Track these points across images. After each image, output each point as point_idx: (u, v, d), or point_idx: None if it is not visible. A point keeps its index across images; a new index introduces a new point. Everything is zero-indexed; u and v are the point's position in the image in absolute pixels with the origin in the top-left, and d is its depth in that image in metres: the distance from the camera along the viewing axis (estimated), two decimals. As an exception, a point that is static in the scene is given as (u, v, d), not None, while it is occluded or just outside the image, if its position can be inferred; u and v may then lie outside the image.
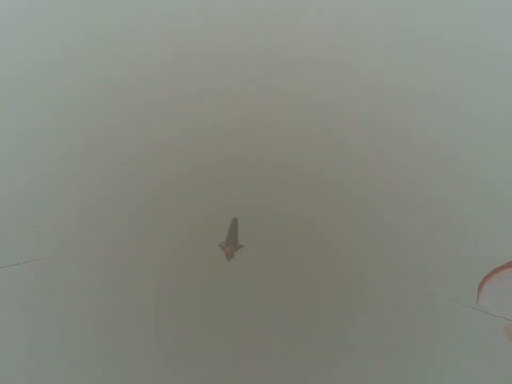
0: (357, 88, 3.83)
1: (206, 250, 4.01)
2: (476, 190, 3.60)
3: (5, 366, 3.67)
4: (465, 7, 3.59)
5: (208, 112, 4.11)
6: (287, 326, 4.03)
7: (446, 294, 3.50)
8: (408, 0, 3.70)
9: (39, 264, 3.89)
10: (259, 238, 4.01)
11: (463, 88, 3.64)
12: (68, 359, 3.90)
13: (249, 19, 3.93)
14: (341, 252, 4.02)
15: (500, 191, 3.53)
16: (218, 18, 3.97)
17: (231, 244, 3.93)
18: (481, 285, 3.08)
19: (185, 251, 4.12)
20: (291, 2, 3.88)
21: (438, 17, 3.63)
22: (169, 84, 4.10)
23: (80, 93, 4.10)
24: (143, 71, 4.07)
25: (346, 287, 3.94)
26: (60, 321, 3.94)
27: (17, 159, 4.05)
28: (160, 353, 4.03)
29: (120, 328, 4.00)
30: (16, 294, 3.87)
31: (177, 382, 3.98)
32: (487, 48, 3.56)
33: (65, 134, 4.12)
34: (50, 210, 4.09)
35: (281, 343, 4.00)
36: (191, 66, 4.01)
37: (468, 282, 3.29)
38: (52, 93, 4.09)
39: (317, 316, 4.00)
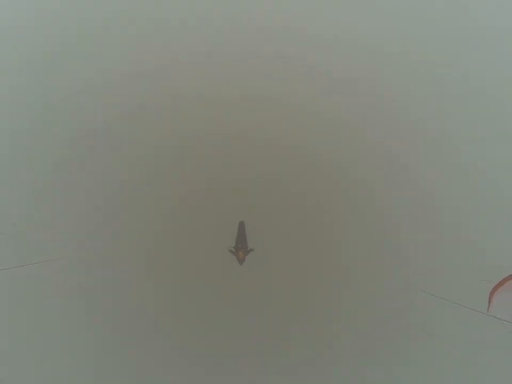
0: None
1: (216, 256, 3.93)
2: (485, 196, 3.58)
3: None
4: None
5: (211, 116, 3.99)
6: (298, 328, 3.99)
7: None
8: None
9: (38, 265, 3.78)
10: (267, 241, 3.95)
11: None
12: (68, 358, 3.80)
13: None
14: (350, 252, 3.97)
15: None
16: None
17: (241, 248, 3.89)
18: (492, 292, 3.10)
19: (195, 257, 4.02)
20: None
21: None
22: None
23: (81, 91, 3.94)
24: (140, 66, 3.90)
25: (354, 289, 3.91)
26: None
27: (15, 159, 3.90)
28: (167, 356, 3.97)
29: (129, 333, 3.92)
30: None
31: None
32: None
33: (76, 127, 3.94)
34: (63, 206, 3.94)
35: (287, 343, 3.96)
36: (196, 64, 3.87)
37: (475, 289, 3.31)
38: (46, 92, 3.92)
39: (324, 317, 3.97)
